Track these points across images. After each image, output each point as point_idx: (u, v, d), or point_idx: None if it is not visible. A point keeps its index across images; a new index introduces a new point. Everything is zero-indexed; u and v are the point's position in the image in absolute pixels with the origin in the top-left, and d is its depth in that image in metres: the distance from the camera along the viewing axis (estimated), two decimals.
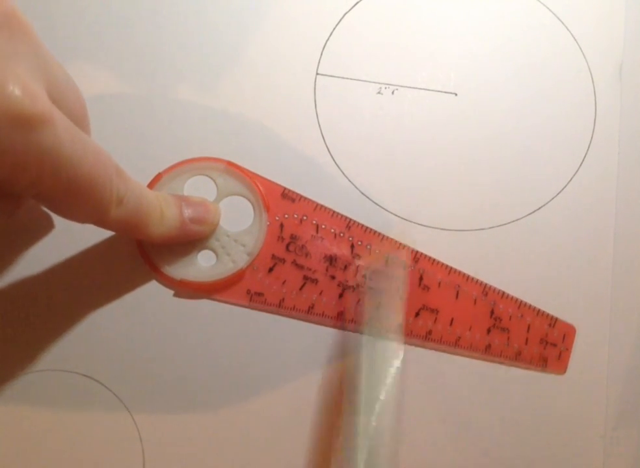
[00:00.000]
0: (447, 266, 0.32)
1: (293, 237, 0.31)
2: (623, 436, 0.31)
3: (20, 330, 0.30)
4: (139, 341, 0.30)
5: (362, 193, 0.32)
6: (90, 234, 0.31)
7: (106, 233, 0.31)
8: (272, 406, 0.30)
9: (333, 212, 0.32)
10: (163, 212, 0.28)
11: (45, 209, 0.31)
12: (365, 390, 0.25)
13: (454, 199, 0.33)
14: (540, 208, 0.33)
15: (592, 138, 0.34)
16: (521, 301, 0.32)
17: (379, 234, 0.32)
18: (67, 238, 0.31)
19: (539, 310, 0.32)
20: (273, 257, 0.31)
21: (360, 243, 0.32)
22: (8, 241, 0.31)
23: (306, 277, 0.31)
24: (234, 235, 0.31)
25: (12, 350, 0.30)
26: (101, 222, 0.25)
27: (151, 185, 0.31)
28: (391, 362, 0.26)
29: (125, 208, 0.25)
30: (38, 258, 0.31)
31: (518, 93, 0.34)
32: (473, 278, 0.32)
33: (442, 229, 0.32)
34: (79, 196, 0.23)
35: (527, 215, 0.33)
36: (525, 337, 0.31)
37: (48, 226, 0.31)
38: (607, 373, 0.31)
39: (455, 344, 0.31)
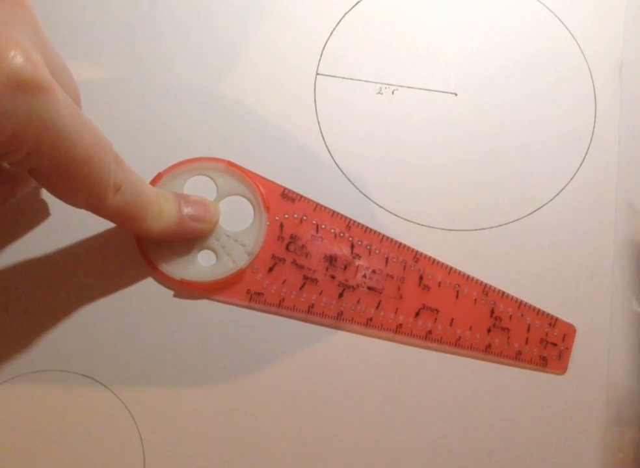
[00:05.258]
0: (447, 266, 0.32)
1: (293, 237, 0.31)
2: (623, 436, 0.31)
3: (15, 327, 0.30)
4: (139, 341, 0.30)
5: (362, 193, 0.32)
6: (88, 230, 0.31)
7: (104, 227, 0.31)
8: (272, 406, 0.30)
9: (333, 212, 0.32)
10: (161, 207, 0.28)
11: (42, 197, 0.31)
12: None
13: (454, 199, 0.33)
14: (540, 208, 0.33)
15: (592, 138, 0.34)
16: (521, 301, 0.32)
17: (379, 234, 0.32)
18: (64, 234, 0.31)
19: (539, 310, 0.32)
20: (273, 256, 0.31)
21: (359, 243, 0.32)
22: (1, 229, 0.31)
23: (305, 277, 0.31)
24: (234, 235, 0.31)
25: (9, 349, 0.30)
26: (97, 209, 0.25)
27: (151, 185, 0.31)
28: None
29: (122, 196, 0.25)
30: (32, 252, 0.31)
31: (517, 93, 0.34)
32: (473, 278, 0.32)
33: (442, 229, 0.32)
34: (77, 175, 0.23)
35: (527, 215, 0.33)
36: (526, 336, 0.31)
37: (43, 214, 0.31)
38: (607, 373, 0.31)
39: (455, 344, 0.31)
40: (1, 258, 0.31)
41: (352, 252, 0.31)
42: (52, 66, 0.23)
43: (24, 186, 0.27)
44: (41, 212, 0.31)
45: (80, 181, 0.23)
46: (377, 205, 0.32)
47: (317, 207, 0.32)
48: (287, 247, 0.31)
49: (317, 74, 0.34)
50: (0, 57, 0.20)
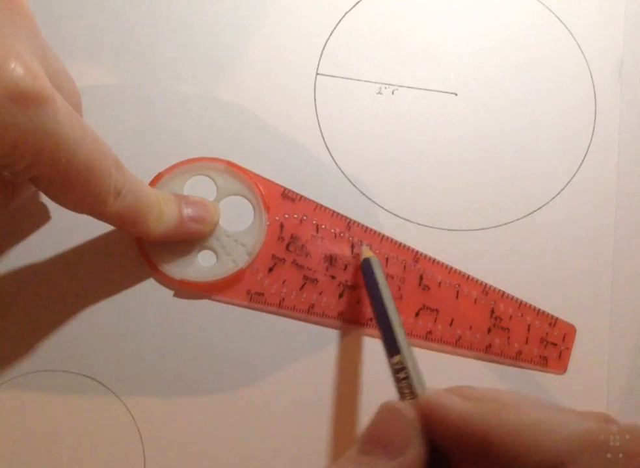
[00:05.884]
0: (447, 266, 0.32)
1: (293, 237, 0.31)
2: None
3: (17, 328, 0.30)
4: (139, 341, 0.30)
5: (362, 193, 0.32)
6: (88, 231, 0.31)
7: (105, 229, 0.31)
8: (272, 406, 0.30)
9: (333, 212, 0.32)
10: (162, 209, 0.28)
11: (42, 200, 0.31)
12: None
13: (454, 199, 0.33)
14: (540, 208, 0.33)
15: (592, 138, 0.34)
16: (521, 301, 0.32)
17: (379, 234, 0.32)
18: (65, 235, 0.31)
19: (539, 310, 0.32)
20: (273, 257, 0.31)
21: (360, 243, 0.32)
22: (1, 232, 0.31)
23: (306, 277, 0.31)
24: (234, 235, 0.31)
25: (10, 349, 0.30)
26: (98, 213, 0.25)
27: (151, 185, 0.31)
28: None
29: (123, 201, 0.25)
30: (33, 254, 0.31)
31: (517, 93, 0.34)
32: (473, 278, 0.32)
33: (442, 229, 0.32)
34: (77, 182, 0.23)
35: (527, 215, 0.33)
36: (526, 336, 0.31)
37: (44, 217, 0.31)
38: (607, 373, 0.31)
39: (455, 344, 0.31)
40: (3, 261, 0.30)
41: (352, 252, 0.31)
42: (52, 73, 0.23)
43: (24, 191, 0.27)
44: (41, 216, 0.31)
45: (81, 187, 0.23)
46: (377, 205, 0.32)
47: (317, 207, 0.32)
48: (287, 248, 0.31)
49: (317, 74, 0.34)
50: (0, 69, 0.20)
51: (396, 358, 0.24)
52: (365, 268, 0.29)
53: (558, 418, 0.19)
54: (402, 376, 0.24)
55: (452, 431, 0.20)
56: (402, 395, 0.23)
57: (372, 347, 0.31)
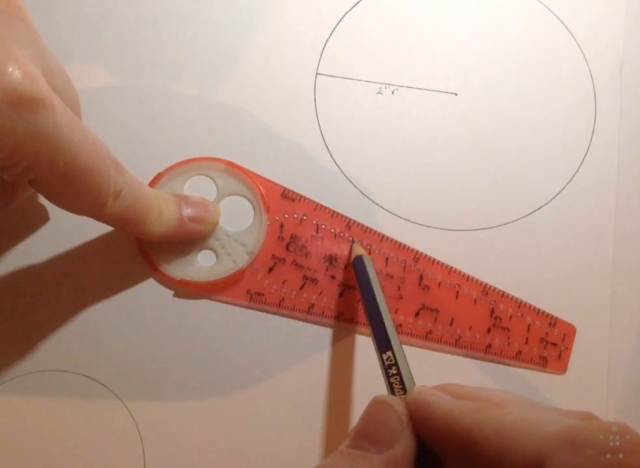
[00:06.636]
0: (447, 266, 0.32)
1: (293, 237, 0.31)
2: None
3: (16, 328, 0.30)
4: (139, 341, 0.30)
5: (362, 193, 0.32)
6: (89, 231, 0.31)
7: (105, 229, 0.31)
8: (272, 405, 0.30)
9: (333, 212, 0.32)
10: (162, 210, 0.28)
11: (41, 201, 0.31)
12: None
13: (454, 199, 0.33)
14: (540, 208, 0.33)
15: (592, 138, 0.34)
16: (521, 301, 0.32)
17: (379, 234, 0.32)
18: (65, 236, 0.31)
19: (539, 310, 0.32)
20: (273, 256, 0.31)
21: (359, 243, 0.32)
22: (1, 234, 0.31)
23: (305, 277, 0.31)
24: (234, 235, 0.31)
25: (10, 349, 0.30)
26: (98, 215, 0.25)
27: (151, 185, 0.31)
28: None
29: (122, 202, 0.25)
30: (33, 254, 0.31)
31: (517, 93, 0.34)
32: (473, 278, 0.32)
33: (442, 229, 0.32)
34: (76, 185, 0.23)
35: (527, 215, 0.33)
36: (526, 336, 0.31)
37: (43, 218, 0.31)
38: (607, 373, 0.31)
39: (455, 344, 0.31)
40: (2, 262, 0.31)
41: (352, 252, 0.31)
42: (51, 76, 0.23)
43: (24, 192, 0.27)
44: (40, 217, 0.31)
45: (80, 190, 0.23)
46: (377, 205, 0.32)
47: (317, 207, 0.32)
48: (287, 247, 0.31)
49: (317, 74, 0.34)
50: None
51: (388, 354, 0.25)
52: (356, 266, 0.30)
53: (540, 417, 0.19)
54: (393, 371, 0.24)
55: (438, 428, 0.20)
56: (392, 391, 0.24)
57: (371, 346, 0.31)
